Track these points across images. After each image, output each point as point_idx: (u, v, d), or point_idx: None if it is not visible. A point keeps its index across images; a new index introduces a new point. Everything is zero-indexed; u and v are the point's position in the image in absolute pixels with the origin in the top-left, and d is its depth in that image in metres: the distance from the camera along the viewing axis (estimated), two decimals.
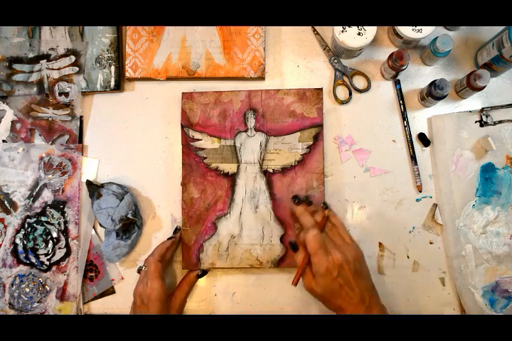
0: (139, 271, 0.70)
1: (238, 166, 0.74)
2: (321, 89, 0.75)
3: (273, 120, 0.75)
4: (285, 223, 0.73)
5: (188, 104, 0.75)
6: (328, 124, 0.76)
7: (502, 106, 0.75)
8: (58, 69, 0.78)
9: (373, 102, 0.77)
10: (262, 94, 0.75)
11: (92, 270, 0.75)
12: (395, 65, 0.71)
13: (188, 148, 0.75)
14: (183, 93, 0.75)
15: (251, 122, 0.75)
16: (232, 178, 0.74)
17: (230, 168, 0.74)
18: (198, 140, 0.75)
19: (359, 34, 0.70)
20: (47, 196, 0.76)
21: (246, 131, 0.75)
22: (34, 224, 0.75)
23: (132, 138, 0.78)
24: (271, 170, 0.74)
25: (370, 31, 0.70)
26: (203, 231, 0.73)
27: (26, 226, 0.75)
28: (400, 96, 0.76)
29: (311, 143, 0.74)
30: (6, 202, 0.75)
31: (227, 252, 0.73)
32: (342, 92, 0.78)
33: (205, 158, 0.75)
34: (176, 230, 0.74)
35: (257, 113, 0.75)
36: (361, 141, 0.76)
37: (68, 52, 0.78)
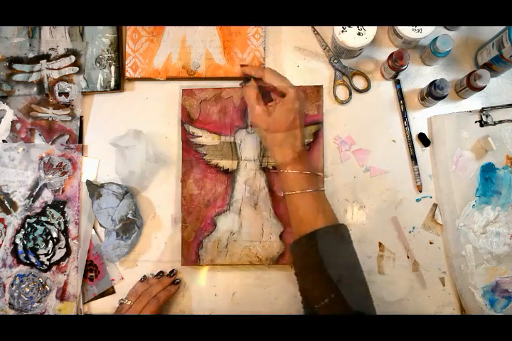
0: (122, 303, 0.69)
1: (238, 163, 0.75)
2: (321, 87, 0.75)
3: None
4: (284, 220, 0.73)
5: (189, 101, 0.75)
6: (328, 124, 0.76)
7: (502, 106, 0.75)
8: (58, 69, 0.78)
9: (373, 102, 0.77)
10: None
11: (92, 270, 0.75)
12: (395, 65, 0.71)
13: (188, 144, 0.75)
14: (183, 89, 0.76)
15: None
16: (231, 175, 0.74)
17: (229, 164, 0.75)
18: (198, 136, 0.75)
19: (359, 34, 0.70)
20: (47, 196, 0.76)
21: (246, 127, 0.75)
22: (34, 224, 0.75)
23: None
24: (271, 167, 0.74)
25: (370, 31, 0.70)
26: (202, 228, 0.73)
27: (26, 226, 0.75)
28: (400, 96, 0.76)
29: (311, 140, 0.74)
30: (6, 202, 0.75)
31: (227, 249, 0.73)
32: (342, 92, 0.78)
33: (205, 154, 0.75)
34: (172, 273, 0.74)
35: None
36: (361, 141, 0.76)
37: (68, 52, 0.78)
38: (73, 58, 0.78)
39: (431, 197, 0.75)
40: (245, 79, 0.73)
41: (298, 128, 0.65)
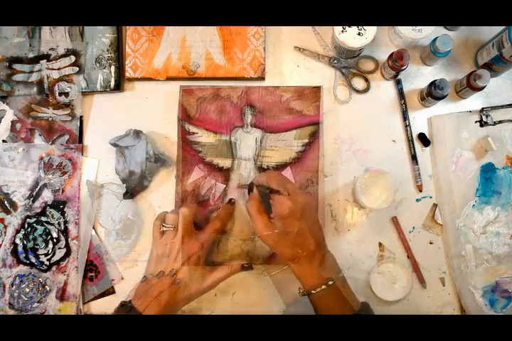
0: (123, 305, 0.66)
1: (233, 161, 0.75)
2: (320, 87, 0.75)
3: (271, 117, 0.75)
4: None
5: (187, 99, 0.76)
6: (328, 124, 0.76)
7: (502, 106, 0.75)
8: (58, 69, 0.78)
9: (373, 102, 0.77)
10: (261, 91, 0.75)
11: (92, 270, 0.75)
12: (395, 65, 0.71)
13: (186, 143, 0.75)
14: (183, 88, 0.76)
15: (248, 118, 0.75)
16: (226, 173, 0.74)
17: (224, 162, 0.75)
18: (196, 134, 0.75)
19: (359, 34, 0.70)
20: (47, 196, 0.76)
21: (243, 126, 0.75)
22: (34, 224, 0.75)
23: None
24: (266, 167, 0.74)
25: (370, 31, 0.70)
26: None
27: (26, 226, 0.75)
28: (401, 95, 0.76)
29: (309, 140, 0.74)
30: (6, 202, 0.75)
31: (227, 249, 0.73)
32: (342, 92, 0.78)
33: (202, 152, 0.75)
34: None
35: (255, 109, 0.75)
36: (361, 141, 0.76)
37: (68, 52, 0.78)
38: (73, 58, 0.78)
39: (431, 197, 0.75)
40: (248, 189, 0.68)
41: (311, 240, 0.62)
